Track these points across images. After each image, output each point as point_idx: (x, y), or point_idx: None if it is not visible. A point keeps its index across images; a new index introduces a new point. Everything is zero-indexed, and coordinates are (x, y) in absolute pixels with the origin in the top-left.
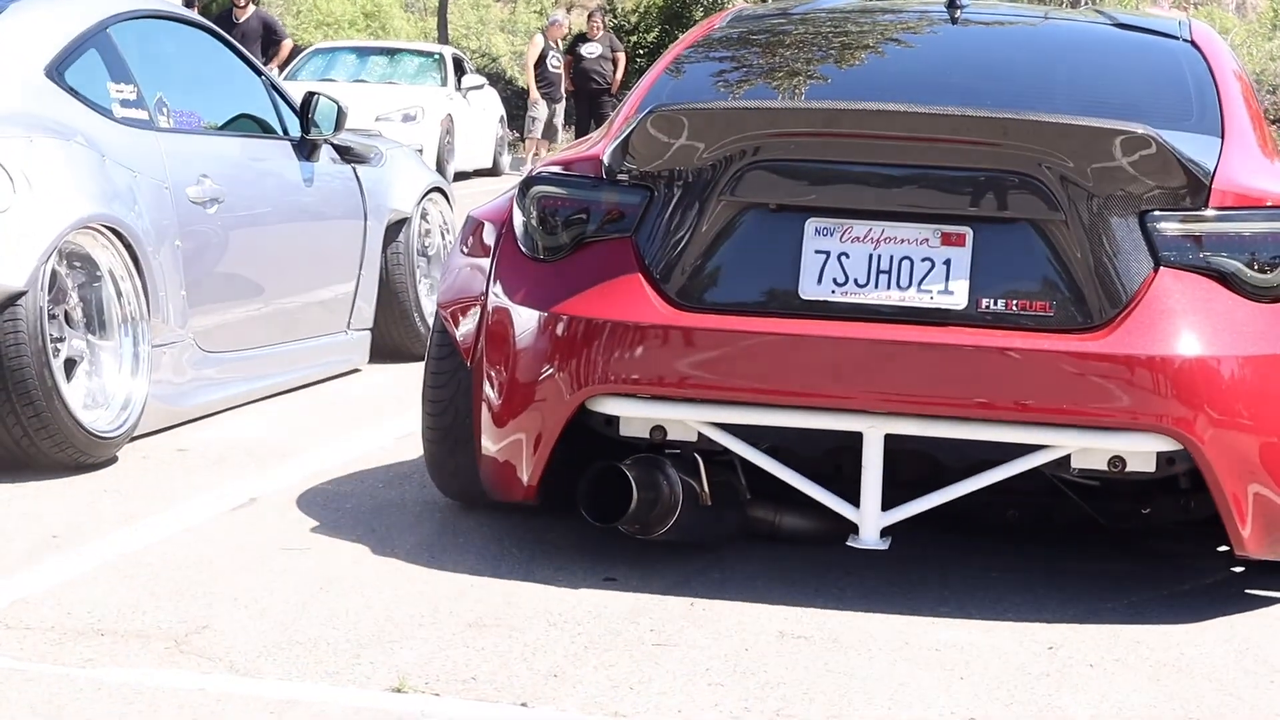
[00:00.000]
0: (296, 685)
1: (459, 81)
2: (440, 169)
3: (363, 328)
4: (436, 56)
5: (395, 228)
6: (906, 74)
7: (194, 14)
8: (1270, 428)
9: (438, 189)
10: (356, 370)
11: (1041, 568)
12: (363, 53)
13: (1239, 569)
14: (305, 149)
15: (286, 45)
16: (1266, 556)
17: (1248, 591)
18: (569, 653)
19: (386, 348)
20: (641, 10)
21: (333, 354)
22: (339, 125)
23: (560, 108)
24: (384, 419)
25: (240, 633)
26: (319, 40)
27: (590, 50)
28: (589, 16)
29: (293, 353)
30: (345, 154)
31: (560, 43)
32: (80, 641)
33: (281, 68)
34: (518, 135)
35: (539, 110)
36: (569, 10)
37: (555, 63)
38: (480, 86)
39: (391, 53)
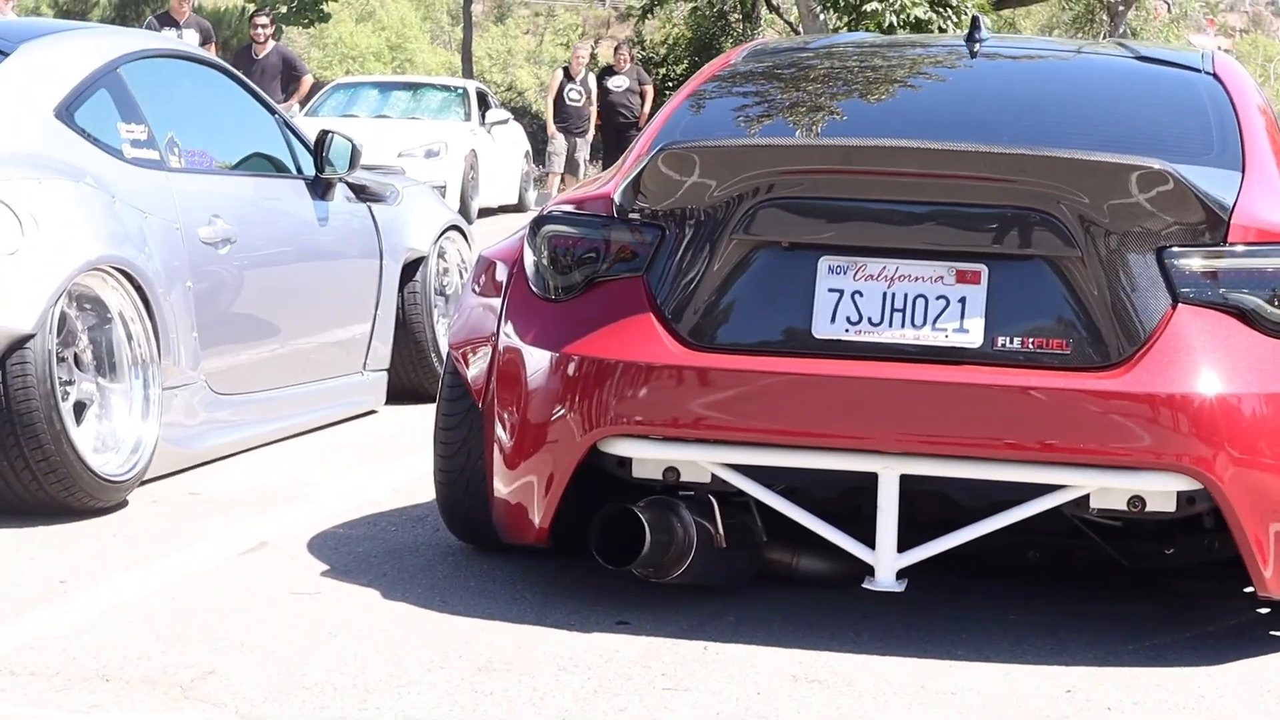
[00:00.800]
0: None
1: (483, 116)
2: (464, 205)
3: (379, 368)
4: (460, 91)
5: (412, 267)
6: (923, 109)
7: (206, 53)
8: None
9: (455, 227)
10: (373, 412)
11: (1062, 610)
12: (385, 88)
13: (1264, 610)
14: (319, 188)
15: (307, 81)
16: None
17: (1272, 633)
18: (578, 697)
19: (404, 388)
20: (670, 42)
21: (348, 395)
22: (354, 163)
23: (582, 141)
24: (399, 461)
25: (246, 678)
26: (343, 74)
27: (617, 83)
28: (615, 49)
29: (307, 394)
30: (360, 192)
31: (580, 74)
32: (85, 688)
33: (302, 103)
34: (543, 170)
35: (557, 144)
36: (597, 42)
37: (574, 96)
38: (505, 121)
39: (414, 87)
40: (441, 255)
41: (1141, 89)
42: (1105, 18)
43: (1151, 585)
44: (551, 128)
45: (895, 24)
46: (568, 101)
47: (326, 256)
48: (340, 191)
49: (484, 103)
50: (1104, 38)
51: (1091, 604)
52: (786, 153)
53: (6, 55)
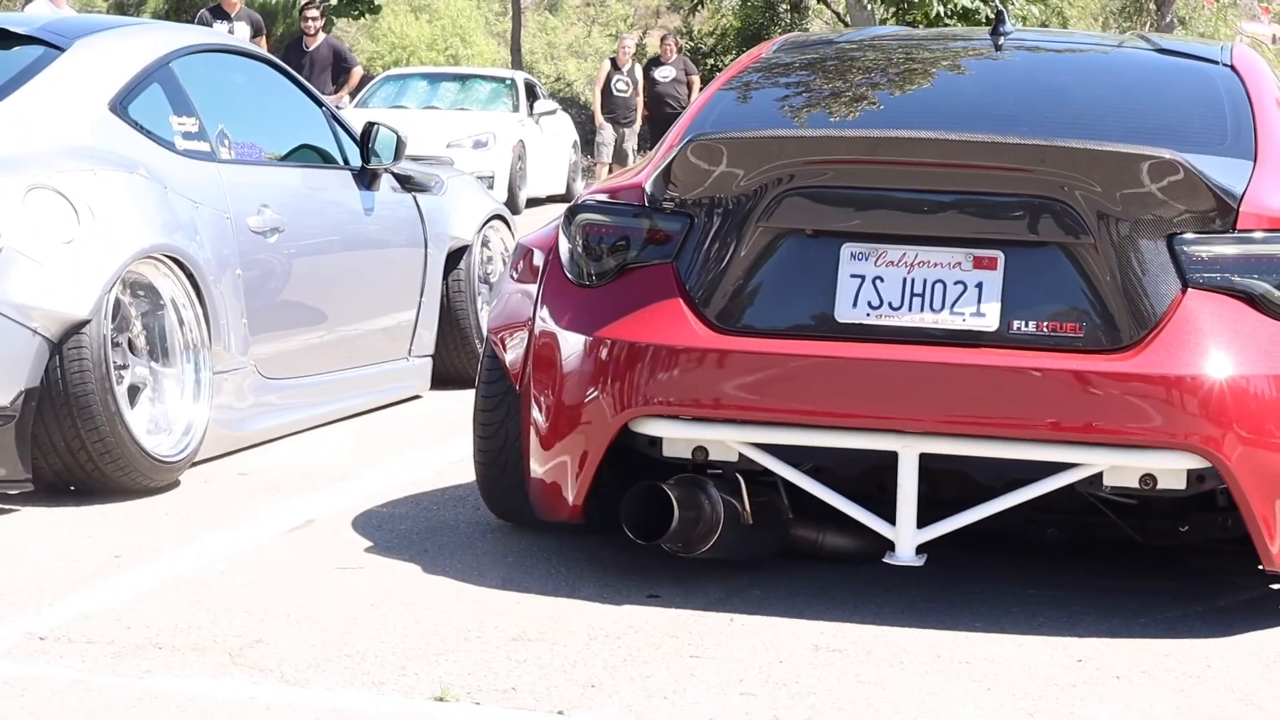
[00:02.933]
0: (343, 694)
1: (531, 107)
2: (512, 195)
3: (424, 354)
4: (509, 82)
5: (456, 255)
6: (944, 101)
7: (255, 47)
8: None
9: (499, 216)
10: (418, 396)
11: (1079, 585)
12: (434, 79)
13: (1277, 585)
14: (365, 178)
15: (357, 73)
16: None
17: None
18: (608, 665)
19: (448, 374)
20: (718, 33)
21: (394, 380)
22: (398, 154)
23: (630, 131)
24: (442, 443)
25: (292, 646)
26: (398, 64)
27: (664, 74)
28: (662, 40)
29: (354, 379)
30: (406, 183)
31: (628, 65)
32: (138, 654)
33: (353, 95)
34: (591, 160)
35: (605, 135)
36: (644, 33)
37: (621, 86)
38: (553, 111)
39: (463, 79)
40: (485, 244)
41: (1158, 81)
42: (1153, 6)
43: (1168, 562)
44: (599, 118)
45: (942, 14)
46: (615, 92)
47: (372, 245)
48: (386, 182)
49: (532, 94)
50: (1150, 27)
51: (1108, 580)
52: (810, 143)
53: (62, 51)
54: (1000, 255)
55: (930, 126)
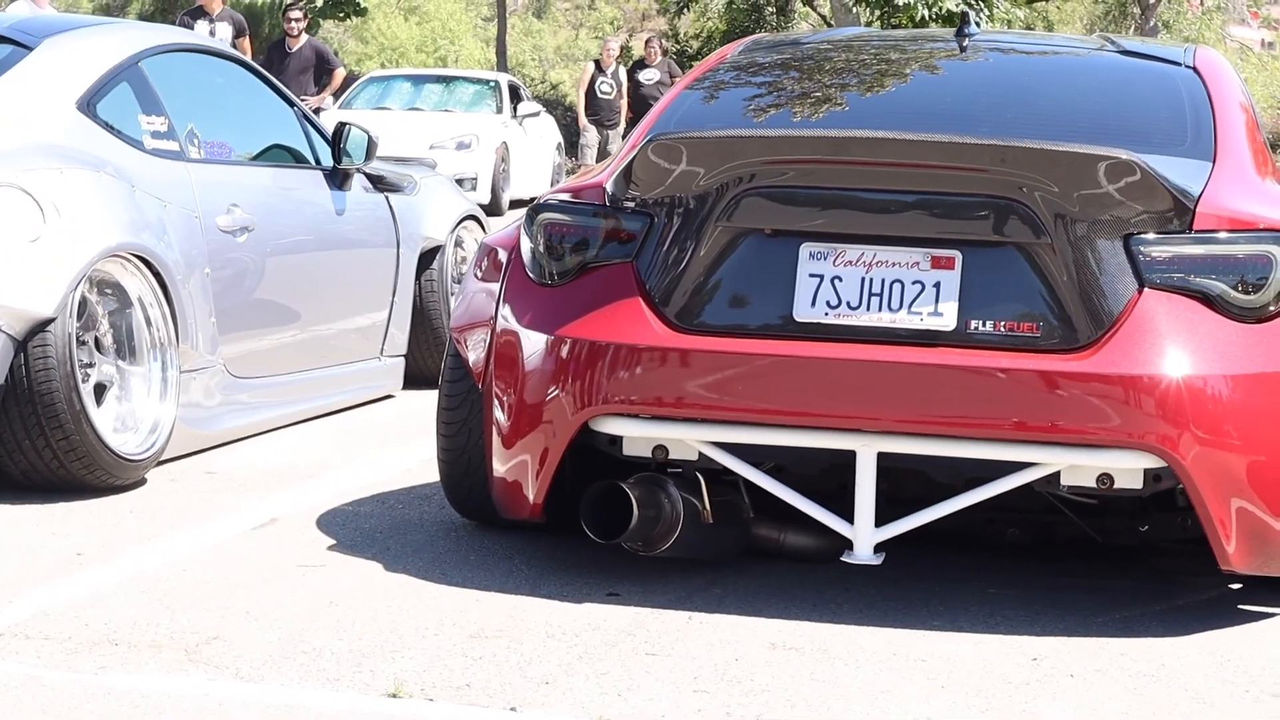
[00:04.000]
0: (297, 690)
1: (515, 109)
2: (495, 197)
3: (396, 354)
4: (492, 84)
5: (429, 255)
6: (906, 102)
7: (226, 47)
8: (1253, 445)
9: (472, 217)
10: (390, 396)
11: (1039, 584)
12: (418, 81)
13: (1236, 586)
14: (337, 178)
15: (339, 74)
16: (1253, 571)
17: (1240, 607)
18: (563, 662)
19: (420, 374)
20: (704, 36)
21: (366, 380)
22: (370, 154)
23: (614, 133)
24: (411, 442)
25: (249, 643)
26: (384, 66)
27: (649, 76)
28: (646, 43)
29: (325, 378)
30: (378, 183)
31: (611, 67)
32: (95, 651)
33: (336, 96)
34: (575, 162)
35: (589, 137)
36: (630, 36)
37: (605, 89)
38: (537, 114)
39: (447, 80)
40: (459, 244)
41: (1120, 82)
42: (1137, 11)
43: (1130, 562)
44: (583, 120)
45: (928, 17)
46: (599, 94)
47: (344, 245)
48: (358, 182)
49: (516, 95)
50: (1135, 32)
51: (1067, 579)
52: (769, 143)
53: (30, 50)
54: (958, 255)
55: (890, 127)
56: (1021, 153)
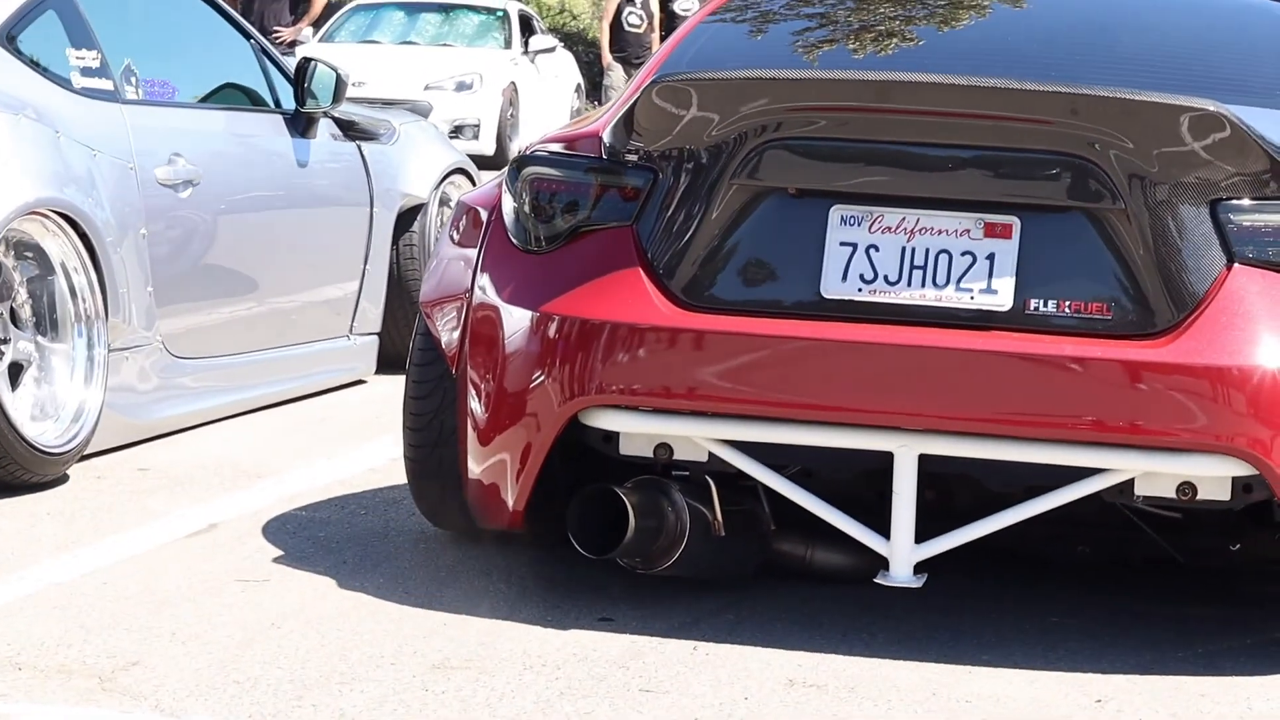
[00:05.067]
0: None
1: (526, 43)
2: (502, 147)
3: (368, 332)
4: (500, 13)
5: (409, 216)
6: (953, 41)
7: None
8: None
9: (461, 170)
10: (361, 381)
11: (1109, 612)
12: (412, 9)
13: None
14: (300, 124)
15: (319, 2)
16: None
17: None
18: (540, 699)
19: (396, 355)
20: None
21: (332, 362)
22: (338, 96)
23: None
24: (379, 437)
25: (173, 670)
26: None
27: (684, 6)
28: None
29: (283, 360)
30: (349, 129)
31: None
32: None
33: (315, 27)
34: (596, 106)
35: (614, 77)
36: None
37: (634, 20)
38: (552, 49)
39: (446, 9)
40: (444, 202)
41: (1212, 22)
42: None
43: (1216, 588)
44: (607, 57)
45: None
46: (626, 27)
47: (308, 202)
48: (325, 128)
49: (528, 27)
50: None
51: (1142, 606)
52: (795, 87)
53: None
54: (1016, 222)
55: (939, 69)
56: (1093, 102)
